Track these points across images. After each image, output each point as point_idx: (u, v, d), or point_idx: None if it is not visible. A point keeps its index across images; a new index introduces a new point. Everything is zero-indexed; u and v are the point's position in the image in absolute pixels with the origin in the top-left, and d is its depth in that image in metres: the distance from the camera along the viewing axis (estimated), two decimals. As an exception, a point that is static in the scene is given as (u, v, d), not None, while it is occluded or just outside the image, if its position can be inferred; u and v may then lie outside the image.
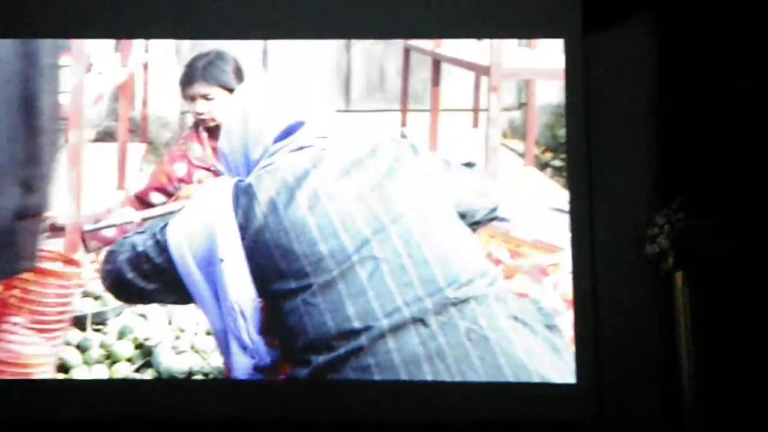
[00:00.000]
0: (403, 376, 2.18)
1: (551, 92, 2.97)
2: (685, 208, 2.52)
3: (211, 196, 2.35)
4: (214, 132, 3.10)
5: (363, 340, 2.17)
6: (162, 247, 2.33)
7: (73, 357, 2.74)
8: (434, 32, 2.92)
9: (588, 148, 2.71)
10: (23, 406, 2.65)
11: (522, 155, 3.13)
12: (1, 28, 2.79)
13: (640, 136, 2.70)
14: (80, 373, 2.73)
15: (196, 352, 2.77)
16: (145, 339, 2.78)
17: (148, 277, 2.35)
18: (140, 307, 2.87)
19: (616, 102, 2.73)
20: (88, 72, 3.03)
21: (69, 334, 2.76)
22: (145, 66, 3.23)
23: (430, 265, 2.23)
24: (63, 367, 2.72)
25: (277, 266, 2.24)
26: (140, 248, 2.34)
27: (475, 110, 3.12)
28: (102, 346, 2.77)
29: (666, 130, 2.66)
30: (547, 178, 3.01)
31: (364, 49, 3.11)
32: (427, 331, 2.19)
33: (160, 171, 3.10)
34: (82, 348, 2.76)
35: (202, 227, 2.32)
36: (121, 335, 2.80)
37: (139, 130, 3.23)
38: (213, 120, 3.09)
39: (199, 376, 2.71)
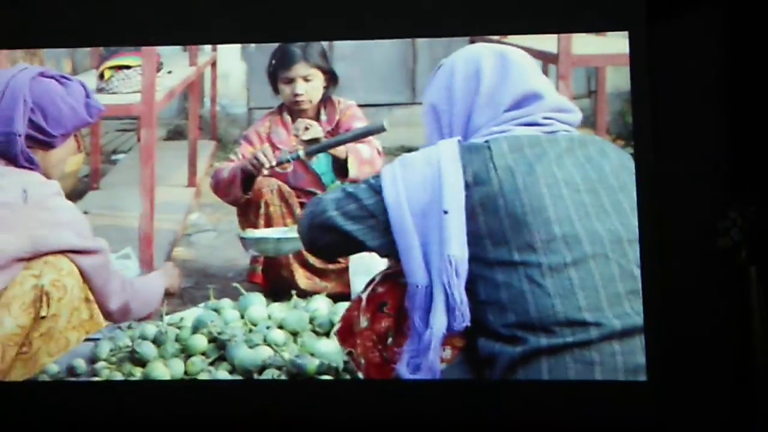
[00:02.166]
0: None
1: (623, 79, 2.92)
2: (758, 200, 2.45)
3: (435, 150, 2.27)
4: (299, 116, 3.15)
5: (593, 334, 2.10)
6: (374, 189, 2.27)
7: (149, 351, 2.78)
8: (496, 28, 2.88)
9: (655, 139, 2.65)
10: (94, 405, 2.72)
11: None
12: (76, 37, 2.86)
13: (709, 127, 2.64)
14: (156, 366, 2.77)
15: (269, 345, 2.79)
16: (219, 333, 2.81)
17: (352, 217, 2.28)
18: (213, 302, 2.92)
19: (685, 93, 2.66)
20: (158, 71, 3.08)
21: (146, 328, 2.82)
22: (213, 64, 3.26)
23: None
24: (139, 361, 2.77)
25: (503, 234, 2.16)
26: (350, 189, 2.30)
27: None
28: (177, 340, 2.82)
29: (737, 120, 2.59)
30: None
31: (429, 41, 3.09)
32: None
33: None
34: (158, 342, 2.81)
35: (422, 176, 2.25)
36: (195, 329, 2.84)
37: (208, 127, 3.27)
38: (309, 101, 3.13)
39: (272, 370, 2.73)
